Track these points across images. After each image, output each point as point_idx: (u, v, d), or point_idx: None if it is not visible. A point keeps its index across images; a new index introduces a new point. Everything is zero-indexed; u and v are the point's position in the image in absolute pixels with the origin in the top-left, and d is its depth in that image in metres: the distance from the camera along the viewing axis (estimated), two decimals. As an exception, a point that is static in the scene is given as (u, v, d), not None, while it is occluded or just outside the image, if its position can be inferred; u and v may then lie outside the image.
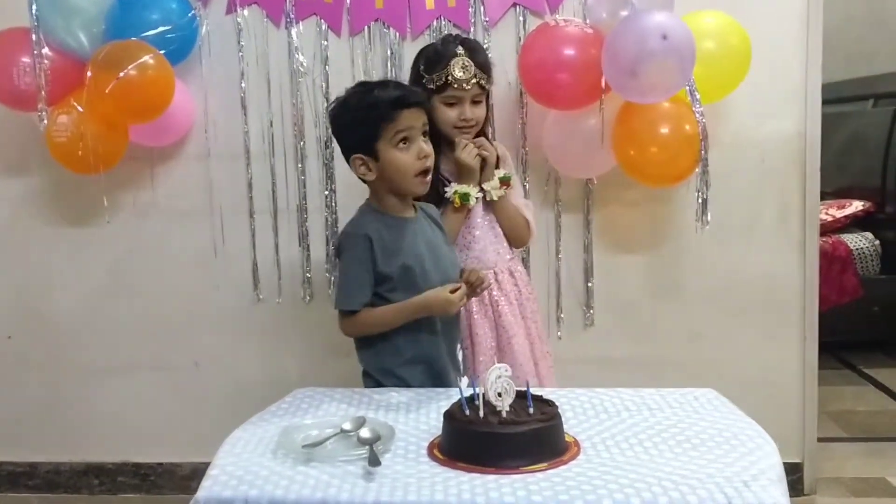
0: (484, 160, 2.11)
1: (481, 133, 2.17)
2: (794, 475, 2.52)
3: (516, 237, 2.20)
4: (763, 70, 2.30)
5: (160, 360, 2.66)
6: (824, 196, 4.00)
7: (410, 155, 1.80)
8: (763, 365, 2.53)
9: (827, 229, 3.85)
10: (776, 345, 2.54)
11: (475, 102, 2.10)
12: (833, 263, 3.81)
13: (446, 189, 2.09)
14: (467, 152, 2.08)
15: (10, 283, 2.67)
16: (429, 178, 1.85)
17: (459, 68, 2.05)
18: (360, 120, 1.81)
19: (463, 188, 2.09)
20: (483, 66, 2.09)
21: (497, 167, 2.15)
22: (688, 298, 2.50)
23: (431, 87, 2.07)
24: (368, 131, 1.80)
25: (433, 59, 2.09)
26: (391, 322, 1.84)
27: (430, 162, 1.83)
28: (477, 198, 2.11)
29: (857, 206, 4.08)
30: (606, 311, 2.53)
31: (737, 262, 2.48)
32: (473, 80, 2.06)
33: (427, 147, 1.82)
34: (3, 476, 2.74)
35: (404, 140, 1.79)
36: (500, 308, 2.13)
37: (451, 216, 2.10)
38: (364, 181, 1.86)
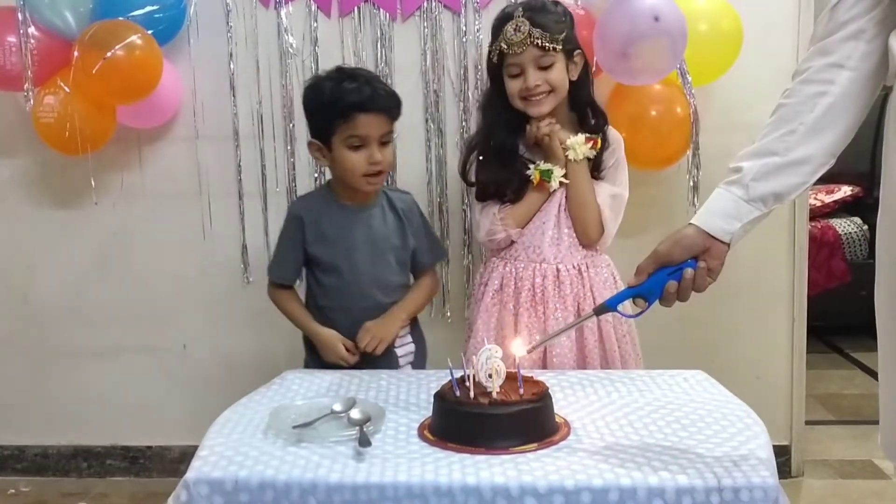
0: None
1: (577, 103, 1.94)
2: (782, 457, 2.52)
3: (581, 228, 1.93)
4: (754, 53, 2.29)
5: (148, 342, 2.64)
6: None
7: (360, 157, 1.81)
8: (752, 348, 2.54)
9: (816, 214, 3.86)
10: (765, 328, 2.55)
11: (542, 68, 1.85)
12: (822, 248, 3.83)
13: (528, 170, 1.92)
14: (534, 131, 1.91)
15: (-2, 265, 2.65)
16: (378, 180, 1.85)
17: (512, 30, 1.84)
18: (320, 110, 1.84)
19: (546, 165, 1.90)
20: (544, 24, 1.83)
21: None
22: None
23: (494, 60, 1.89)
24: (325, 125, 1.83)
25: (493, 29, 1.91)
26: (295, 322, 1.96)
27: (380, 167, 1.83)
28: (560, 181, 1.90)
29: (845, 190, 4.10)
30: (596, 294, 2.52)
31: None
32: (528, 41, 1.83)
33: (380, 155, 1.81)
34: (-10, 460, 2.73)
35: (358, 143, 1.80)
36: (549, 309, 1.92)
37: (528, 196, 1.92)
38: None
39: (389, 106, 1.84)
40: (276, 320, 2.54)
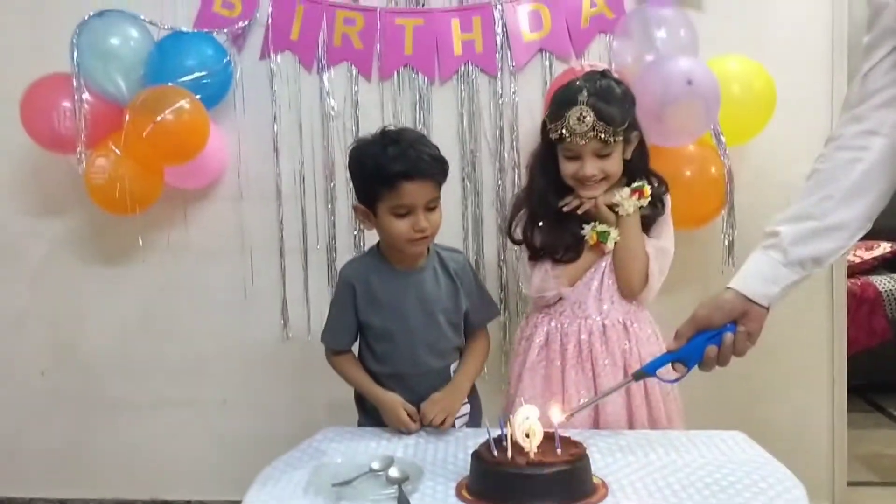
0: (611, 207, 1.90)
1: (631, 174, 1.92)
2: (825, 520, 2.50)
3: (625, 281, 1.92)
4: (788, 114, 2.32)
5: (190, 396, 2.70)
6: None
7: (405, 225, 1.77)
8: (792, 407, 2.53)
9: (855, 271, 3.83)
10: (805, 387, 2.54)
11: (601, 156, 1.85)
12: (862, 305, 3.78)
13: (583, 229, 1.92)
14: (579, 203, 1.91)
15: (46, 320, 2.73)
16: (423, 245, 1.82)
17: (575, 120, 1.81)
18: (366, 176, 1.80)
19: (602, 227, 1.90)
20: (609, 117, 1.81)
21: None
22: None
23: (552, 138, 1.87)
24: (370, 192, 1.79)
25: (555, 106, 1.88)
26: (356, 386, 1.91)
27: (426, 234, 1.79)
28: (616, 241, 1.90)
29: (885, 247, 4.06)
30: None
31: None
32: (590, 135, 1.81)
33: (425, 222, 1.77)
34: (35, 512, 2.78)
35: (404, 212, 1.77)
36: (598, 368, 1.90)
37: (584, 256, 1.92)
38: None
39: (435, 172, 1.78)
40: (315, 375, 2.59)
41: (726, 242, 2.27)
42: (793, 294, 2.45)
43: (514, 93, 2.47)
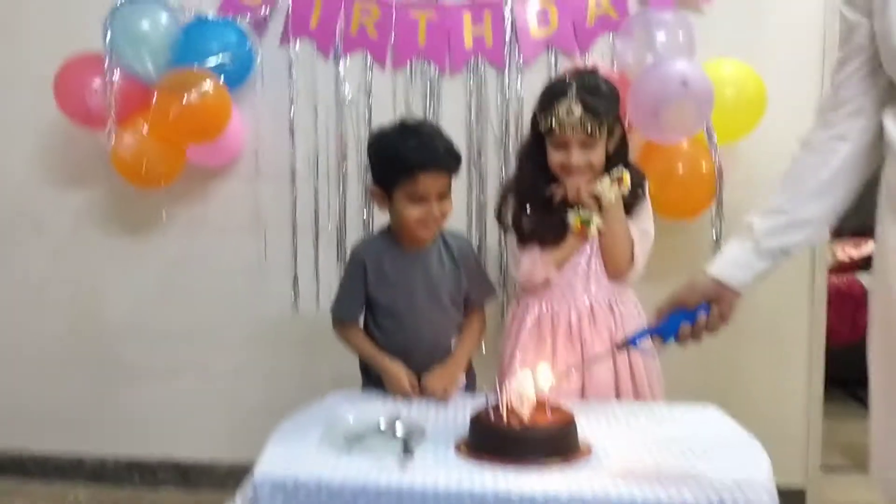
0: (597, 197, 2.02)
1: (611, 164, 2.03)
2: (797, 499, 2.64)
3: (613, 263, 2.04)
4: (779, 115, 2.43)
5: (203, 363, 2.84)
6: (842, 234, 4.15)
7: (418, 211, 1.90)
8: (770, 393, 2.66)
9: (843, 268, 3.97)
10: (783, 374, 2.67)
11: (586, 147, 1.96)
12: (846, 301, 3.92)
13: (569, 214, 2.04)
14: (565, 191, 2.03)
15: (69, 288, 2.87)
16: (432, 230, 1.95)
17: (564, 112, 1.93)
18: (384, 164, 1.94)
19: (586, 213, 2.02)
20: (594, 110, 1.93)
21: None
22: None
23: (541, 129, 2.00)
24: (388, 178, 1.92)
25: (544, 98, 2.00)
26: (362, 356, 2.05)
27: (437, 220, 1.92)
28: (599, 227, 2.02)
29: (872, 246, 4.20)
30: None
31: (747, 295, 2.61)
32: (578, 125, 1.93)
33: (437, 210, 1.90)
34: (53, 467, 2.92)
35: (418, 198, 1.90)
36: (587, 347, 2.02)
37: (569, 241, 2.04)
38: None
39: (449, 164, 1.91)
40: (321, 347, 2.75)
41: (714, 234, 2.41)
42: (775, 285, 2.60)
43: (520, 87, 2.60)
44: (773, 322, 2.65)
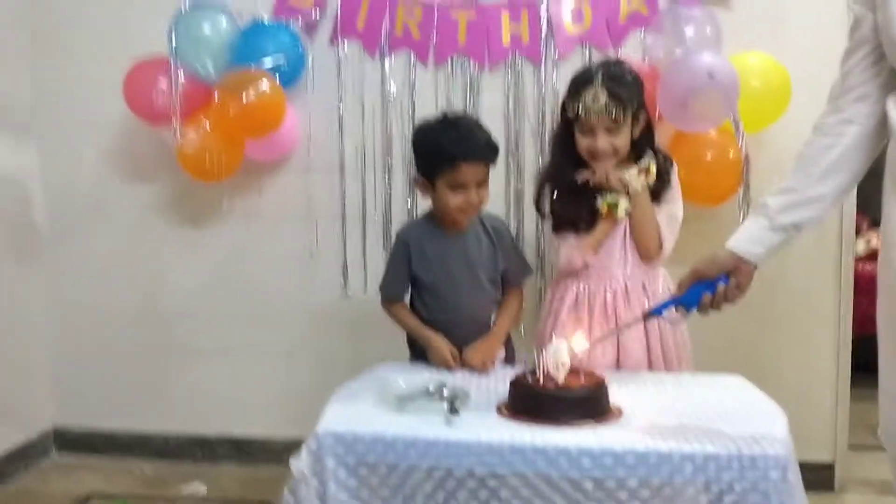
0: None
1: (638, 150, 2.16)
2: (825, 474, 2.75)
3: (643, 247, 2.16)
4: (804, 105, 2.49)
5: (258, 345, 3.02)
6: (878, 223, 4.20)
7: (459, 198, 2.06)
8: (799, 370, 2.76)
9: (874, 256, 4.02)
10: (811, 353, 2.77)
11: (611, 132, 2.08)
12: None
13: (598, 201, 2.15)
14: (593, 175, 2.14)
15: (135, 275, 3.06)
16: (471, 215, 2.11)
17: (590, 98, 2.05)
18: (427, 154, 2.11)
19: (613, 197, 2.13)
20: (619, 97, 2.05)
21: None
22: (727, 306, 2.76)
23: (569, 115, 2.12)
24: (431, 168, 2.09)
25: (572, 86, 2.12)
26: (408, 330, 2.21)
27: (476, 206, 2.08)
28: (626, 210, 2.14)
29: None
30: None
31: (776, 276, 2.71)
32: (603, 112, 2.05)
33: (476, 197, 2.06)
34: (119, 443, 3.13)
35: (458, 186, 2.06)
36: (620, 321, 2.13)
37: (600, 226, 2.16)
38: None
39: (488, 155, 2.08)
40: (369, 330, 2.91)
41: (741, 219, 2.53)
42: (806, 271, 2.71)
43: (556, 81, 2.74)
44: (802, 306, 2.75)
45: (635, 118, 2.13)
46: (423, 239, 2.18)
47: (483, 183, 2.09)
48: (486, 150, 2.09)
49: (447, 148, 2.04)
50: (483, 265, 2.18)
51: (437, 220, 2.18)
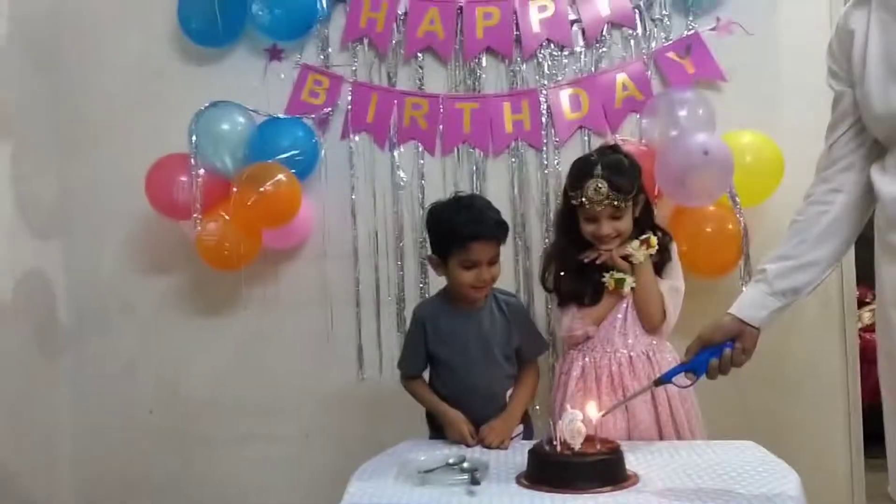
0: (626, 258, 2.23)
1: (640, 227, 2.26)
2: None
3: (647, 318, 2.25)
4: (798, 178, 2.60)
5: (276, 432, 3.04)
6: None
7: (471, 275, 2.13)
8: (810, 440, 2.77)
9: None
10: (822, 422, 2.80)
11: (614, 217, 2.20)
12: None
13: (603, 277, 2.25)
14: (598, 256, 2.26)
15: (154, 365, 3.13)
16: (484, 292, 2.18)
17: (592, 190, 2.16)
18: (440, 234, 2.21)
19: (619, 274, 2.23)
20: (620, 187, 2.16)
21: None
22: (736, 375, 2.80)
23: (573, 203, 2.23)
24: (443, 247, 2.17)
25: (573, 177, 2.25)
26: (426, 405, 2.27)
27: (488, 283, 2.17)
28: (631, 286, 2.24)
29: None
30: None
31: (782, 345, 2.76)
32: (605, 203, 2.17)
33: (488, 274, 2.14)
34: (138, 532, 3.15)
35: (470, 265, 2.13)
36: (627, 391, 2.17)
37: (605, 300, 2.26)
38: None
39: (498, 234, 2.16)
40: (386, 412, 2.96)
41: (743, 290, 2.60)
42: (811, 336, 2.76)
43: (557, 164, 2.85)
44: (810, 376, 2.79)
45: (635, 201, 2.25)
46: (438, 316, 2.26)
47: (494, 260, 2.17)
48: (496, 229, 2.18)
49: (458, 228, 2.13)
50: (497, 341, 2.24)
51: (451, 296, 2.26)
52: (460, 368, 2.23)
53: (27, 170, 3.00)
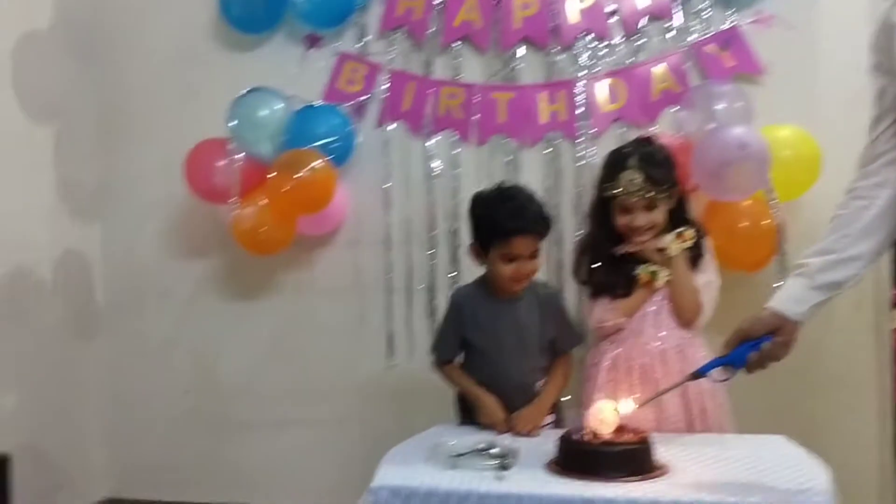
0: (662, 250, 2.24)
1: (674, 221, 2.26)
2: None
3: (681, 311, 2.25)
4: (834, 172, 2.56)
5: (309, 416, 3.09)
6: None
7: (511, 268, 2.13)
8: (842, 438, 2.73)
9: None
10: (854, 421, 2.77)
11: (648, 209, 2.21)
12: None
13: (637, 269, 2.26)
14: (632, 248, 2.26)
15: (191, 348, 3.19)
16: (523, 285, 2.18)
17: (626, 181, 2.18)
18: (482, 226, 2.20)
19: (653, 267, 2.24)
20: (655, 178, 2.18)
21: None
22: (769, 374, 2.78)
23: (606, 194, 2.25)
24: (485, 239, 2.17)
25: (608, 168, 2.27)
26: (461, 387, 2.27)
27: (526, 278, 2.16)
28: (667, 280, 2.24)
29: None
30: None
31: (816, 343, 2.71)
32: (640, 194, 2.18)
33: (527, 268, 2.14)
34: (172, 515, 3.20)
35: (511, 258, 2.13)
36: (660, 385, 2.15)
37: (638, 292, 2.27)
38: None
39: (540, 229, 2.16)
40: (415, 398, 2.98)
41: (777, 286, 2.58)
42: (844, 336, 2.73)
43: (593, 156, 2.85)
44: (842, 374, 2.76)
45: (669, 193, 2.25)
46: (475, 303, 2.26)
47: (535, 254, 2.17)
48: (538, 224, 2.18)
49: (501, 222, 2.13)
50: (533, 333, 2.24)
51: (489, 285, 2.26)
52: (494, 357, 2.23)
53: (68, 154, 3.06)
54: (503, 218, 2.12)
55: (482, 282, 2.30)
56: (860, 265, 1.68)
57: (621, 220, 2.25)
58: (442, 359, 2.32)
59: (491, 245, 2.16)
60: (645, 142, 2.33)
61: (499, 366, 2.23)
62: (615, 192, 2.21)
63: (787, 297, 1.72)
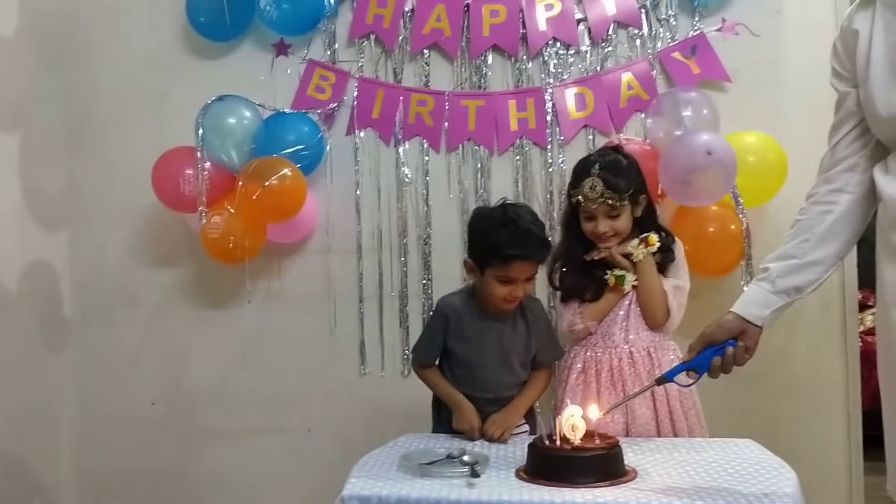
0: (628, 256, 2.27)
1: (642, 228, 2.30)
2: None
3: (650, 314, 2.28)
4: (800, 178, 2.60)
5: (279, 426, 3.07)
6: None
7: (505, 290, 2.12)
8: (810, 441, 2.78)
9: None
10: (823, 424, 2.81)
11: (611, 216, 2.24)
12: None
13: (606, 274, 2.29)
14: (599, 255, 2.29)
15: (158, 357, 3.15)
16: (514, 305, 2.17)
17: (588, 188, 2.22)
18: (482, 244, 2.17)
19: (620, 272, 2.27)
20: (615, 186, 2.20)
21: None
22: (737, 377, 2.81)
23: (573, 202, 2.29)
24: (483, 258, 2.15)
25: (574, 176, 2.30)
26: (439, 392, 2.27)
27: (518, 300, 2.16)
28: (634, 284, 2.28)
29: None
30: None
31: (784, 347, 2.78)
32: (600, 200, 2.21)
33: (522, 291, 2.13)
34: (141, 527, 3.16)
35: (507, 281, 2.12)
36: (627, 390, 2.21)
37: (606, 296, 2.30)
38: None
39: (539, 255, 2.15)
40: (388, 407, 2.98)
41: (744, 290, 2.61)
42: (812, 339, 2.76)
43: (562, 162, 2.87)
44: (811, 377, 2.80)
45: (635, 200, 2.27)
46: (462, 313, 2.24)
47: (531, 278, 2.16)
48: (538, 251, 2.15)
49: (503, 246, 2.08)
50: (516, 349, 2.24)
51: (478, 298, 2.25)
52: (475, 369, 2.23)
53: (35, 162, 3.02)
54: (505, 242, 2.08)
55: (471, 293, 2.28)
56: (821, 270, 1.71)
57: (586, 227, 2.29)
58: (422, 362, 2.31)
59: (488, 265, 2.14)
60: (611, 150, 2.36)
61: (479, 378, 2.22)
62: (578, 198, 2.26)
63: (749, 301, 1.75)
